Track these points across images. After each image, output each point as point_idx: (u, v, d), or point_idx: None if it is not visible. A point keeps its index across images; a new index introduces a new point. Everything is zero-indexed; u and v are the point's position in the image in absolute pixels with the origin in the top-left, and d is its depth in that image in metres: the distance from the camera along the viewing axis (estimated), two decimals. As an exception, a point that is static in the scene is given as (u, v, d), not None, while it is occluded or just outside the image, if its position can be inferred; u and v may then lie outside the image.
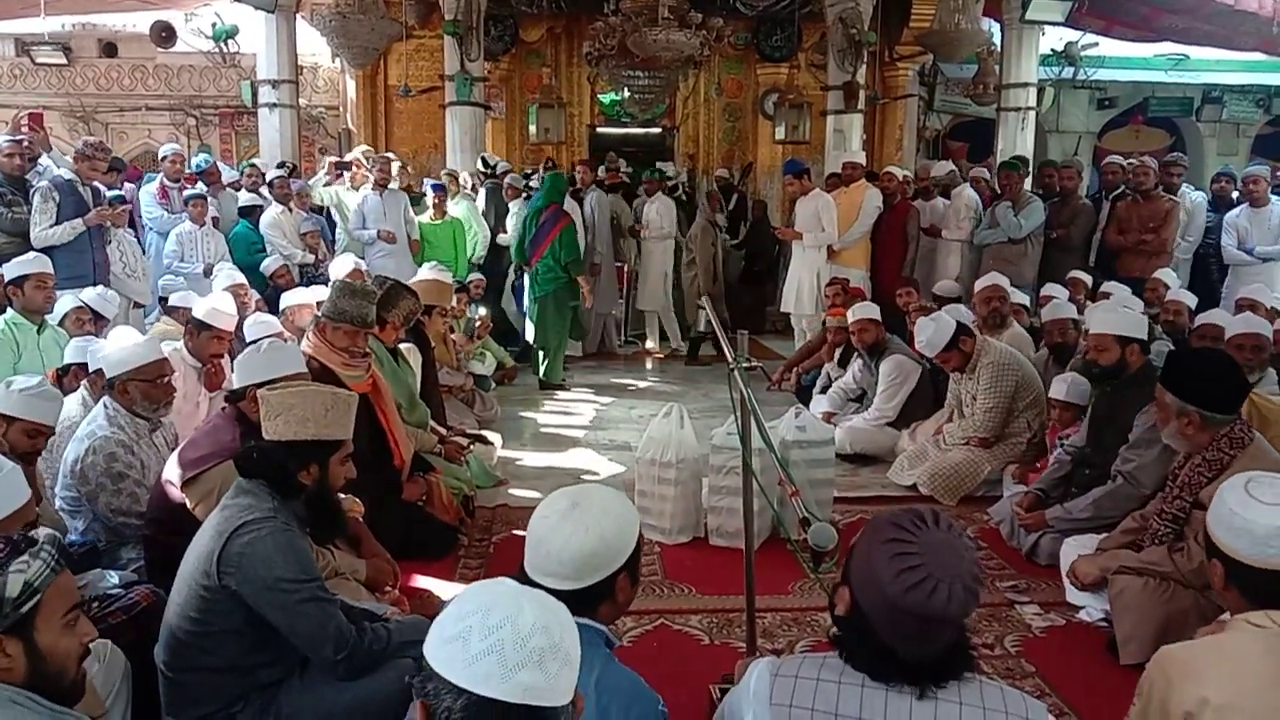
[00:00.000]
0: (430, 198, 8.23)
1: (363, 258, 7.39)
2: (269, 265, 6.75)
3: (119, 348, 3.40)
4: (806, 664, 1.62)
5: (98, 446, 3.23)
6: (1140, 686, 1.87)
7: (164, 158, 7.63)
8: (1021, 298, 5.94)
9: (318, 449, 2.44)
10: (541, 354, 7.42)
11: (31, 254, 4.96)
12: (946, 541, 1.52)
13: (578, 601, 1.65)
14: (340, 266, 6.27)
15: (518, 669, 1.18)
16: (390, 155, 8.62)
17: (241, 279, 5.66)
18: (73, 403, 3.72)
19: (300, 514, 2.43)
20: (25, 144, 5.88)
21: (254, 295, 5.87)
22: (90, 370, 3.84)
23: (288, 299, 5.58)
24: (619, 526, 1.81)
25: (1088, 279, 6.44)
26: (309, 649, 2.32)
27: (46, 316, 4.70)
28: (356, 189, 8.38)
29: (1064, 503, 3.98)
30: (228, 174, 8.52)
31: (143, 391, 3.37)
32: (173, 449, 3.37)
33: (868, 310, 5.81)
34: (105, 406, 3.35)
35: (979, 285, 5.76)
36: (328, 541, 2.97)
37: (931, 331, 4.92)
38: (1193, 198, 7.50)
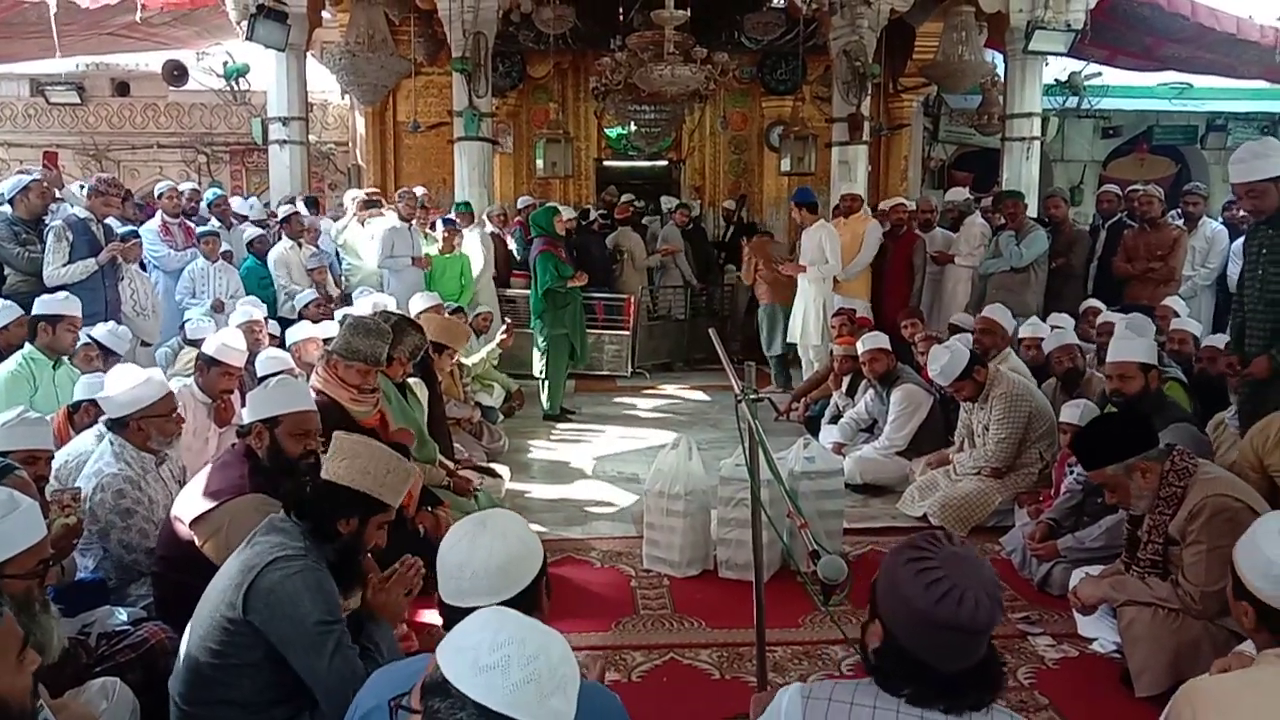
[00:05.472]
0: (441, 231, 8.28)
1: (380, 288, 7.49)
2: (301, 300, 6.74)
3: (126, 388, 3.40)
4: (839, 688, 1.61)
5: (106, 484, 3.24)
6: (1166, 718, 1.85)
7: (160, 194, 7.50)
8: (1043, 330, 5.68)
9: (365, 504, 2.44)
10: (544, 385, 7.44)
11: (63, 294, 4.96)
12: (964, 554, 1.56)
13: None
14: (363, 305, 6.29)
15: (550, 696, 1.27)
16: (416, 190, 8.75)
17: (257, 315, 5.61)
18: (88, 439, 3.72)
19: (329, 559, 2.42)
20: (45, 184, 5.90)
21: (266, 331, 5.84)
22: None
23: (293, 334, 5.55)
24: (526, 531, 1.92)
25: (1102, 308, 6.41)
26: (321, 691, 2.28)
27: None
28: (363, 225, 8.43)
29: (1076, 532, 3.97)
30: (251, 212, 8.57)
31: (157, 427, 3.40)
32: (180, 483, 3.38)
33: (878, 340, 5.81)
34: (111, 443, 3.35)
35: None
36: (344, 593, 2.96)
37: (946, 360, 4.91)
38: (1213, 226, 7.55)
